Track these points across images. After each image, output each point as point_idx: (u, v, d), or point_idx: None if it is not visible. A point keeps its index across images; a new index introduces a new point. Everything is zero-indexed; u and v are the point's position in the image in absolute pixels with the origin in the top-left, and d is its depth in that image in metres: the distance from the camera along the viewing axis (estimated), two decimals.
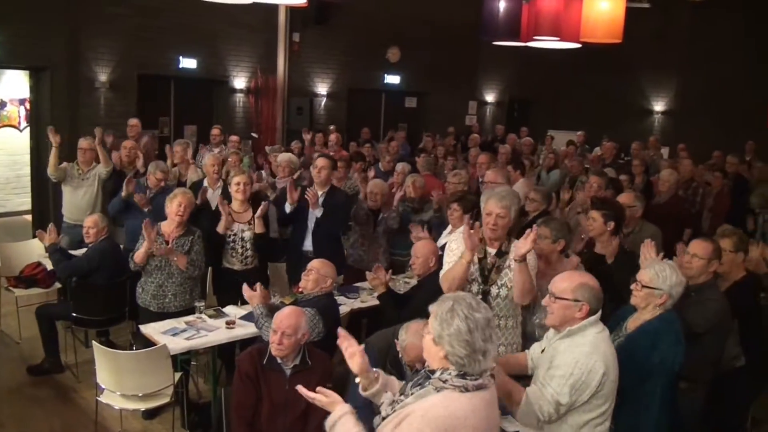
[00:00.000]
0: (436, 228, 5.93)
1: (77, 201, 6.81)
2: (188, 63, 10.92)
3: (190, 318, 4.80)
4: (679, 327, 3.32)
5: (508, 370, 3.14)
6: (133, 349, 4.80)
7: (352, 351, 2.51)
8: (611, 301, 3.45)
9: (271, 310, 4.14)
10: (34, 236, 6.52)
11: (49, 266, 5.90)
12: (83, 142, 6.93)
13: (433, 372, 2.30)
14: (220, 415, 3.89)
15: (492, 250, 3.81)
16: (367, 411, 2.67)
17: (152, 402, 4.45)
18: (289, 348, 3.55)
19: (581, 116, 14.46)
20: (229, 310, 5.02)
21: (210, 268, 5.61)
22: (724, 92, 13.11)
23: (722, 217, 7.47)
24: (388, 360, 3.59)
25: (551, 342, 3.08)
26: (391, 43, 13.57)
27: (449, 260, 3.86)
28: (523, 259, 3.52)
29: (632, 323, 3.43)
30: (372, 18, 12.54)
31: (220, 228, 5.36)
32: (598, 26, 6.72)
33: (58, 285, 6.13)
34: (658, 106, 15.59)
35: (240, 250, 5.44)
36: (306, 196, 5.56)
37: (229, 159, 7.49)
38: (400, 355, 3.53)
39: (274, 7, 11.27)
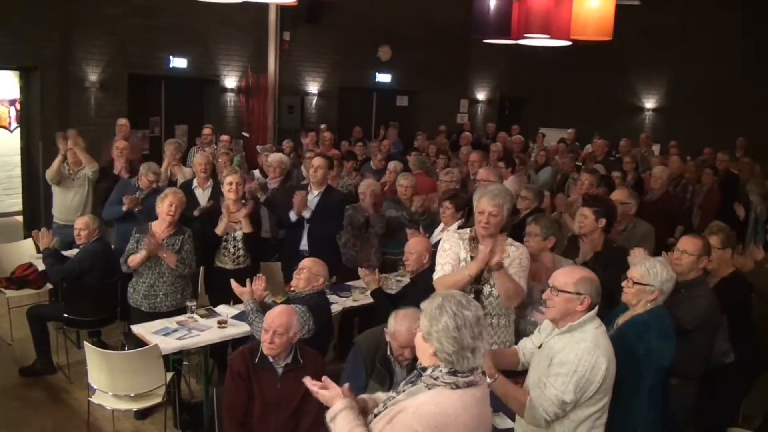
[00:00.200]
0: (427, 229, 5.91)
1: (67, 201, 6.80)
2: (179, 62, 10.88)
3: (181, 318, 4.79)
4: (669, 322, 3.33)
5: (499, 365, 3.14)
6: (124, 350, 4.79)
7: (330, 395, 2.40)
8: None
9: (264, 308, 4.13)
10: (26, 237, 6.48)
11: (41, 267, 5.89)
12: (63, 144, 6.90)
13: (424, 369, 2.31)
14: (212, 415, 3.88)
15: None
16: None
17: (144, 402, 4.45)
18: (281, 347, 3.55)
19: (572, 114, 14.47)
20: (221, 309, 5.02)
21: (201, 268, 5.61)
22: (717, 90, 13.11)
23: (712, 213, 7.48)
24: (377, 359, 3.59)
25: (548, 339, 3.07)
26: (382, 42, 13.56)
27: (442, 261, 3.86)
28: (500, 267, 3.54)
29: (623, 320, 3.44)
30: (363, 16, 12.53)
31: (219, 229, 5.35)
32: (589, 24, 6.74)
33: (49, 286, 6.11)
34: (649, 104, 15.63)
35: (232, 250, 5.44)
36: (293, 200, 5.55)
37: (219, 159, 7.45)
38: (388, 345, 3.55)
39: (265, 6, 11.23)
